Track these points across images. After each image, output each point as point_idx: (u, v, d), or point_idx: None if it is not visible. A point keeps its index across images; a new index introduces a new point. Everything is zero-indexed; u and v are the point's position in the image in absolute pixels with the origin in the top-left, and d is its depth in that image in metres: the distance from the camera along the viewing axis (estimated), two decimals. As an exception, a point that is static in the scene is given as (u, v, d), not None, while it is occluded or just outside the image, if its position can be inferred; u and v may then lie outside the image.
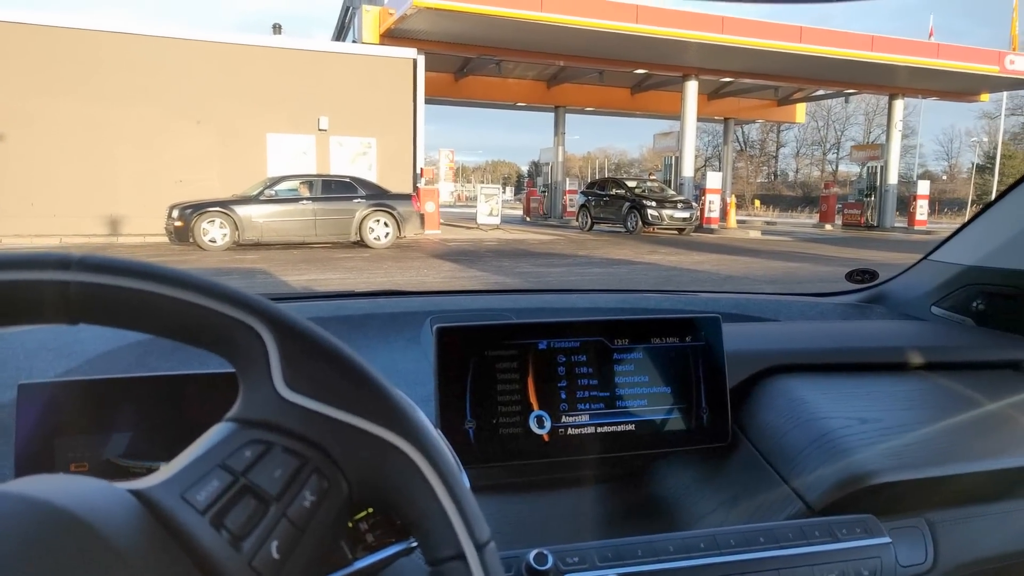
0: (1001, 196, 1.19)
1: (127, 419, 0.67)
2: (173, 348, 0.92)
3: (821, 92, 25.13)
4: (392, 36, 16.32)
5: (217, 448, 0.38)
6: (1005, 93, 29.10)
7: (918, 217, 22.53)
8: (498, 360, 0.80)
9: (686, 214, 17.47)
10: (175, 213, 11.55)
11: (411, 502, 0.41)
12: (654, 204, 17.37)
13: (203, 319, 0.39)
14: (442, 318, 1.01)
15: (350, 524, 0.46)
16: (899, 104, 23.08)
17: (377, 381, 0.41)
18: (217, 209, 11.64)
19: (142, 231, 13.52)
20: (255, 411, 0.39)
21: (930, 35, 21.04)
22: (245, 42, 15.29)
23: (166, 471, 0.37)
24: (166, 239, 11.97)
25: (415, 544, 0.44)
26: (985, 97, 24.23)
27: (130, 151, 14.09)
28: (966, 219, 1.27)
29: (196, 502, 0.36)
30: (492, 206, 18.41)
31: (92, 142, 13.82)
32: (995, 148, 37.13)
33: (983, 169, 45.52)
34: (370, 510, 0.47)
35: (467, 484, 0.46)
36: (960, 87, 21.72)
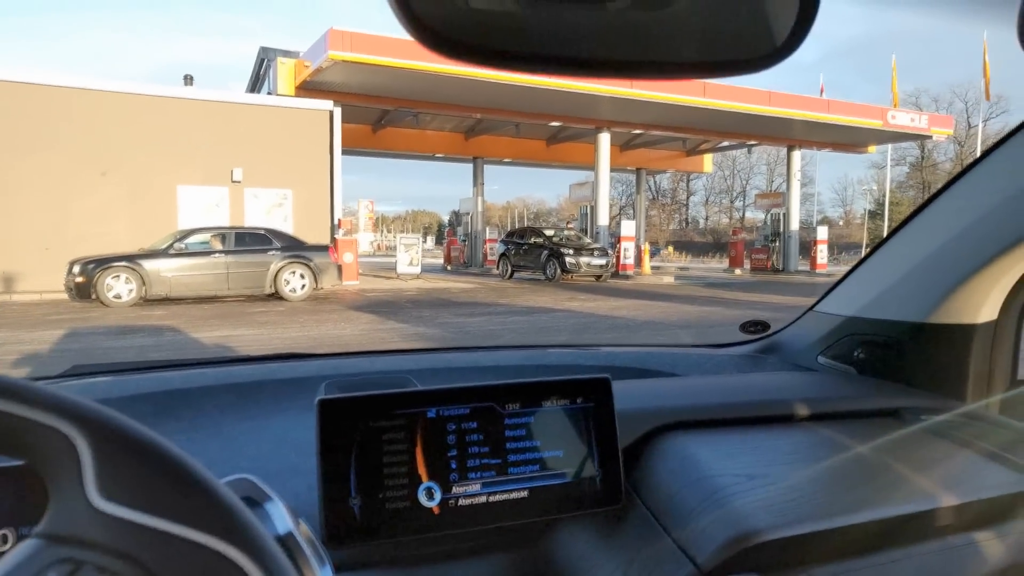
0: (875, 249, 1.26)
1: None
2: None
3: (726, 143, 26.45)
4: (308, 88, 16.25)
5: (18, 570, 0.34)
6: (890, 145, 31.38)
7: (819, 261, 23.81)
8: (385, 431, 0.78)
9: (603, 261, 17.90)
10: (76, 269, 10.99)
11: None
12: (572, 252, 17.73)
13: (5, 425, 0.34)
14: (339, 383, 0.97)
15: None
16: (797, 155, 24.54)
17: (208, 484, 0.38)
18: (123, 264, 11.16)
19: (40, 288, 12.76)
20: (64, 525, 0.35)
21: (821, 91, 22.60)
22: (154, 92, 14.89)
23: None
24: (66, 296, 11.34)
25: None
26: (872, 149, 26.12)
27: (27, 204, 13.38)
28: (847, 270, 1.33)
29: None
30: (412, 256, 18.34)
31: (-16, 195, 13.07)
32: (884, 196, 39.84)
33: (874, 215, 48.69)
34: None
35: None
36: (850, 139, 23.32)
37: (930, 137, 22.93)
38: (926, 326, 1.14)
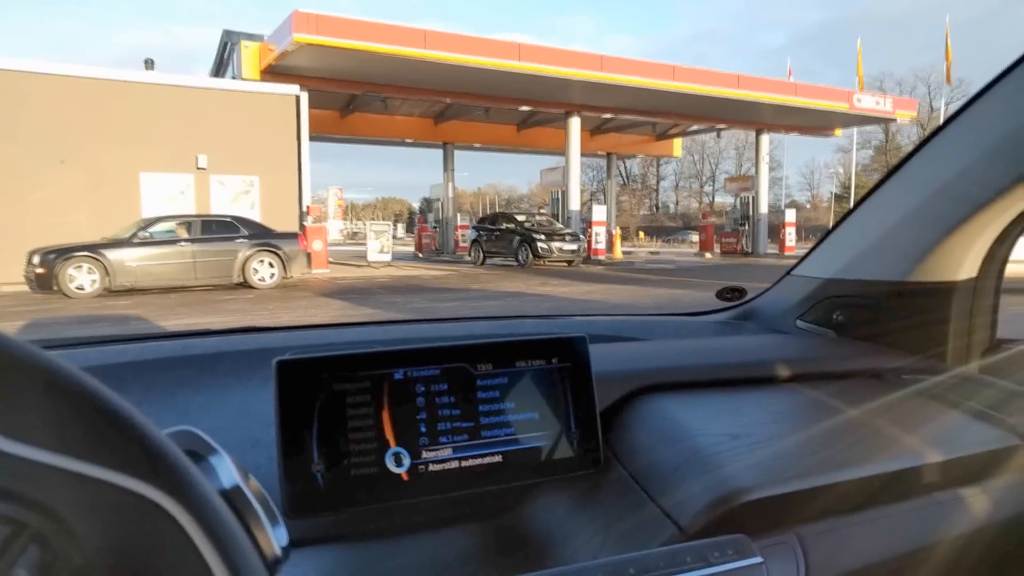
0: (852, 210, 1.24)
1: None
2: None
3: (695, 127, 26.59)
4: (273, 72, 15.95)
5: None
6: (856, 128, 31.82)
7: (788, 243, 24.09)
8: (348, 394, 0.73)
9: (574, 246, 17.90)
10: (36, 259, 10.67)
11: (173, 569, 0.32)
12: (543, 237, 17.71)
13: None
14: (302, 353, 0.92)
15: None
16: (765, 139, 24.75)
17: (126, 417, 0.33)
18: (85, 254, 10.86)
19: (-2, 279, 12.41)
20: None
21: (789, 75, 22.76)
22: (113, 77, 14.49)
23: None
24: (26, 287, 11.02)
25: None
26: (839, 132, 26.42)
27: (-18, 193, 12.97)
28: (823, 235, 1.31)
29: None
30: (383, 243, 18.19)
31: (-64, 184, 12.63)
32: (850, 179, 40.49)
33: (841, 198, 49.43)
34: None
35: (268, 541, 0.39)
36: (816, 123, 23.57)
37: (895, 120, 23.26)
38: (905, 285, 1.13)
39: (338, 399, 0.72)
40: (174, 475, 0.33)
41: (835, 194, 51.83)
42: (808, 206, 60.23)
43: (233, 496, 0.39)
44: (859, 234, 1.22)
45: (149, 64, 17.63)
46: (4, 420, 0.30)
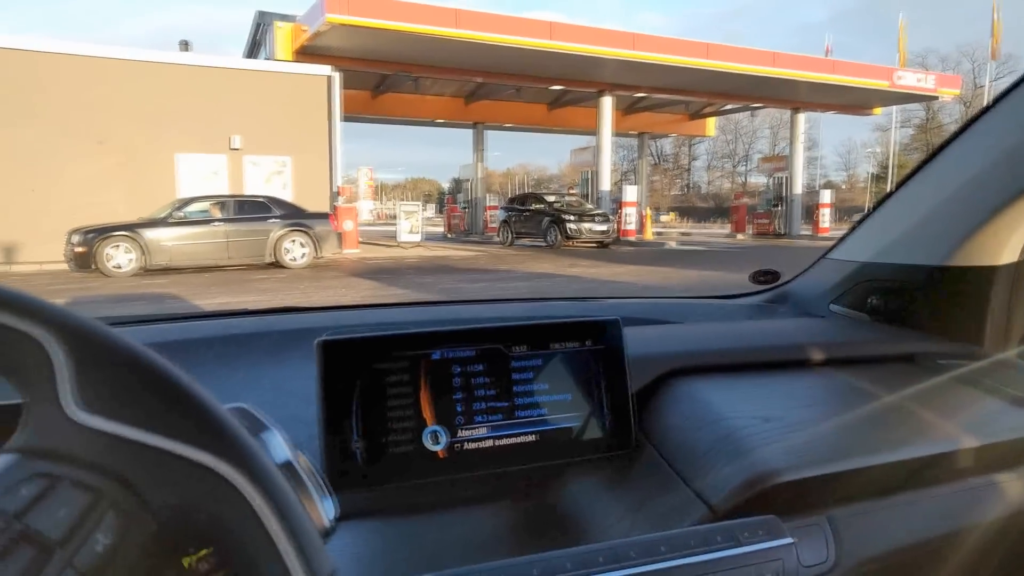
0: (891, 194, 1.22)
1: None
2: None
3: (729, 106, 26.17)
4: (306, 53, 16.03)
5: None
6: (896, 106, 31.04)
7: (822, 225, 23.67)
8: (388, 373, 0.75)
9: (604, 227, 17.79)
10: (76, 239, 10.93)
11: (237, 537, 0.35)
12: (573, 218, 17.62)
13: None
14: (340, 333, 0.95)
15: (185, 565, 0.40)
16: (801, 118, 24.27)
17: (194, 396, 0.35)
18: (122, 233, 11.10)
19: (39, 258, 12.72)
20: (39, 438, 0.33)
21: (827, 52, 22.24)
22: (150, 59, 14.69)
23: None
24: (66, 266, 11.31)
25: None
26: (878, 110, 25.80)
27: (25, 173, 13.28)
28: (859, 218, 1.30)
29: None
30: (413, 223, 18.27)
31: (-19, 165, 12.97)
32: (888, 158, 39.55)
33: (878, 178, 48.37)
34: (211, 548, 0.41)
35: (319, 512, 0.41)
36: (855, 101, 23.03)
37: (937, 98, 22.65)
38: (943, 269, 1.11)
39: (378, 378, 0.74)
40: (238, 449, 0.35)
41: (873, 174, 50.73)
42: (844, 186, 59.04)
43: (287, 470, 0.41)
44: (897, 217, 1.20)
45: (185, 45, 17.83)
46: (84, 395, 0.33)
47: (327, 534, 0.43)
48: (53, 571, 0.30)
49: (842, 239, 1.33)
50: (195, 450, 0.34)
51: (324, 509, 0.43)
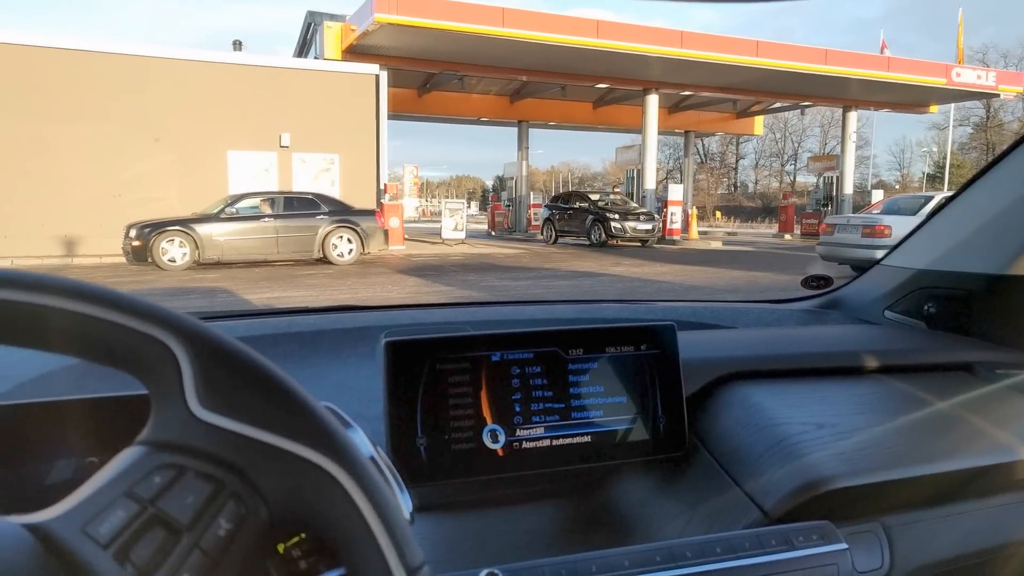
0: (950, 200, 1.21)
1: (34, 446, 0.63)
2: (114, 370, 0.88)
3: (778, 104, 25.68)
4: (354, 52, 16.27)
5: (124, 475, 0.35)
6: (953, 104, 30.07)
7: (874, 226, 23.03)
8: (450, 374, 0.78)
9: (649, 226, 17.65)
10: (133, 233, 11.30)
11: (337, 526, 0.38)
12: (617, 217, 17.52)
13: (106, 334, 0.36)
14: (397, 332, 0.98)
15: (280, 550, 0.43)
16: (853, 116, 23.70)
17: (300, 397, 0.39)
18: (176, 228, 11.43)
19: (99, 251, 13.20)
20: (167, 433, 0.37)
21: (882, 49, 21.63)
22: (204, 58, 15.08)
23: (67, 502, 0.34)
24: (123, 259, 11.70)
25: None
26: (934, 109, 25.02)
27: (86, 170, 13.77)
28: (916, 224, 1.28)
29: (98, 535, 0.33)
30: (457, 221, 18.39)
31: (46, 161, 13.47)
32: (944, 158, 38.33)
33: (933, 178, 46.90)
34: (303, 535, 0.45)
35: (400, 505, 0.44)
36: (910, 99, 22.38)
37: (997, 95, 21.85)
38: (1004, 278, 1.10)
39: (441, 378, 0.77)
40: (339, 445, 0.39)
41: (927, 174, 49.21)
42: (897, 186, 57.35)
43: (373, 465, 0.44)
44: (957, 224, 1.19)
45: (237, 45, 18.25)
46: (206, 395, 0.37)
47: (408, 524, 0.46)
48: (182, 551, 0.34)
49: (897, 245, 1.31)
50: (302, 446, 0.38)
51: (404, 502, 0.46)
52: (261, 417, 0.37)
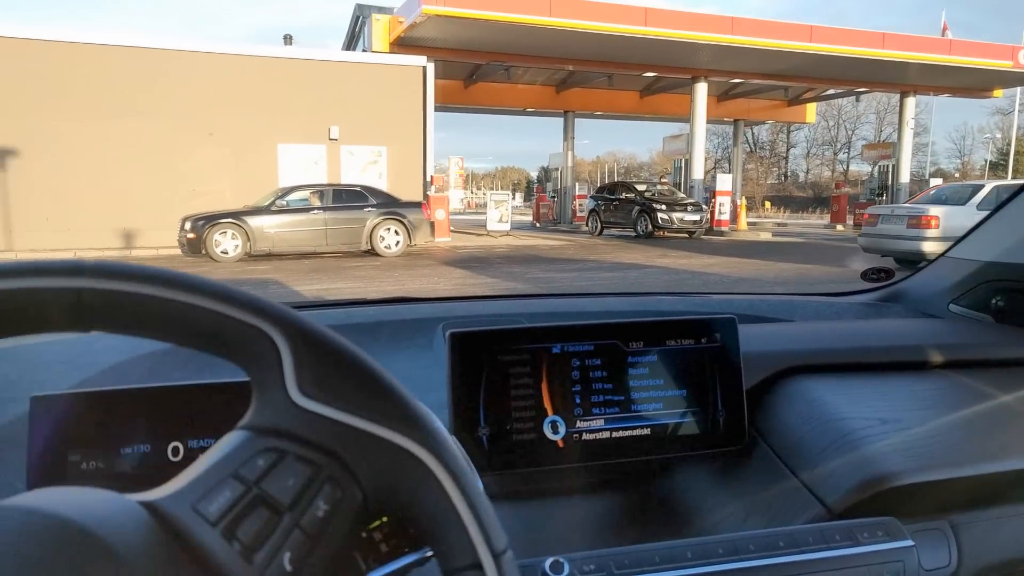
0: (1021, 190, 1.17)
1: (140, 430, 0.67)
2: (187, 358, 0.92)
3: (832, 91, 25.01)
4: (402, 44, 16.39)
5: (229, 457, 0.38)
6: (1019, 88, 28.84)
7: (932, 215, 22.28)
8: (512, 365, 0.79)
9: (696, 217, 17.41)
10: (187, 225, 11.62)
11: (427, 510, 0.40)
12: (664, 207, 17.32)
13: (216, 325, 0.38)
14: (454, 324, 1.00)
15: (363, 534, 0.45)
16: (911, 102, 22.93)
17: (393, 386, 0.41)
18: (229, 220, 11.71)
19: (155, 244, 13.63)
20: (268, 418, 0.39)
21: (943, 31, 20.83)
22: (256, 53, 15.39)
23: (177, 482, 0.37)
24: (179, 251, 12.05)
25: (430, 554, 0.44)
26: (999, 93, 24.02)
27: (143, 164, 14.21)
28: (984, 216, 1.24)
29: (208, 513, 0.35)
30: (502, 212, 18.43)
31: (105, 156, 13.94)
32: (1008, 144, 36.78)
33: (996, 166, 45.10)
34: (384, 519, 0.46)
35: (483, 491, 0.45)
36: (973, 83, 21.55)
37: (1066, 79, 20.88)
38: None
39: (502, 369, 0.79)
40: (429, 432, 0.41)
41: (990, 162, 47.33)
42: (957, 175, 55.33)
43: None
44: None
45: (288, 40, 18.56)
46: (304, 383, 0.39)
47: None
48: (284, 530, 0.36)
49: (963, 237, 1.28)
50: (394, 432, 0.40)
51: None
52: (355, 404, 0.39)
